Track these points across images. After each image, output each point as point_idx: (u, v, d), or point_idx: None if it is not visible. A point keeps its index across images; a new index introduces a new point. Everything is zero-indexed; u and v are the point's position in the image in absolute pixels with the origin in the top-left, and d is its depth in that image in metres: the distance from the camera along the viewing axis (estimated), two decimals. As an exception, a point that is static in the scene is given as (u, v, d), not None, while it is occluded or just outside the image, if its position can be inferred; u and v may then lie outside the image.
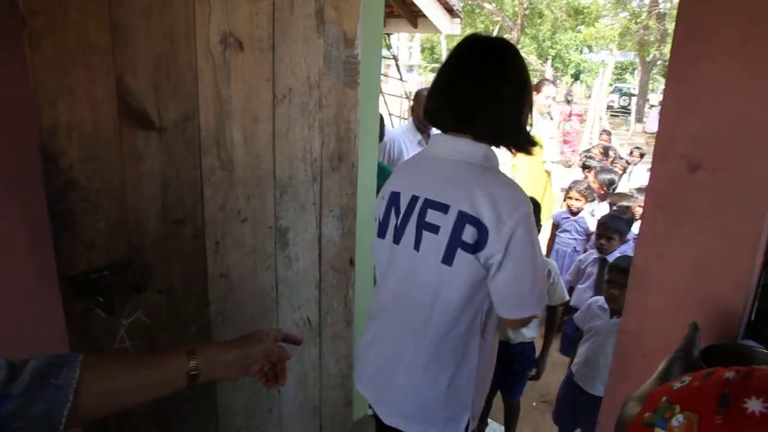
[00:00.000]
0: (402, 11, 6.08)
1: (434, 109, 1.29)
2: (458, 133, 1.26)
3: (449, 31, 6.35)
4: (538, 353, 2.55)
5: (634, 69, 28.29)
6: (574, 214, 4.00)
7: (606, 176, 4.68)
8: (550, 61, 20.50)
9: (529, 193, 1.32)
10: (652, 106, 20.10)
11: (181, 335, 1.52)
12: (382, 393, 1.38)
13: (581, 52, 29.13)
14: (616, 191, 4.72)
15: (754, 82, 1.01)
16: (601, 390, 2.05)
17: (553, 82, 5.26)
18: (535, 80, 4.72)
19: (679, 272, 1.16)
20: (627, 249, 3.20)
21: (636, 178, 6.18)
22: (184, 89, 1.38)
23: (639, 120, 18.95)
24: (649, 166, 1.22)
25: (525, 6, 22.41)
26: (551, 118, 4.91)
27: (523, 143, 1.29)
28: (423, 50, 27.27)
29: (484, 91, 1.21)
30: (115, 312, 1.35)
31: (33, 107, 1.12)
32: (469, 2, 21.06)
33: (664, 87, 1.18)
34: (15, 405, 0.62)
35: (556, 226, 4.14)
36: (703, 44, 1.07)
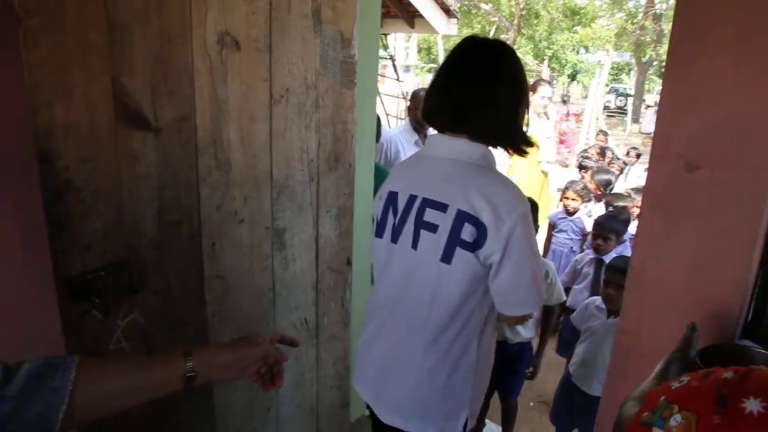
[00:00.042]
0: (399, 11, 6.08)
1: (431, 109, 1.31)
2: (455, 133, 1.27)
3: (446, 32, 6.35)
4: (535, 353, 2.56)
5: (630, 69, 28.35)
6: (571, 214, 4.01)
7: (603, 176, 4.69)
8: (546, 62, 20.49)
9: (526, 193, 1.33)
10: (649, 106, 20.13)
11: (177, 336, 1.51)
12: (381, 392, 1.39)
13: (578, 52, 29.22)
14: (613, 191, 4.73)
15: (752, 81, 1.01)
16: (599, 390, 2.05)
17: (550, 83, 5.27)
18: (531, 80, 4.73)
19: (677, 272, 1.16)
20: (623, 249, 3.21)
21: (632, 178, 6.20)
22: (181, 90, 1.38)
23: (635, 120, 19.00)
24: (646, 166, 1.22)
25: (521, 6, 22.44)
26: (548, 118, 4.91)
27: (519, 144, 1.29)
28: (420, 50, 27.30)
29: (480, 93, 1.23)
30: (112, 313, 1.34)
31: (28, 108, 1.11)
32: (466, 2, 21.09)
33: (661, 87, 1.18)
34: (10, 407, 0.62)
35: (552, 227, 4.15)
36: (700, 44, 1.07)
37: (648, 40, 20.54)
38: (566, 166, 8.03)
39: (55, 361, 0.68)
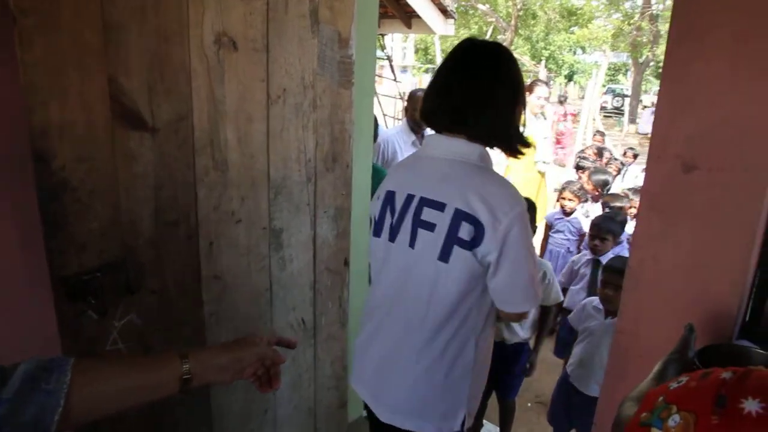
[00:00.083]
0: (396, 12, 6.08)
1: (430, 110, 1.32)
2: (452, 134, 1.28)
3: (443, 32, 6.35)
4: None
5: (627, 70, 28.45)
6: (568, 214, 4.01)
7: (600, 177, 4.70)
8: (543, 62, 20.53)
9: (524, 193, 1.34)
10: (645, 107, 20.20)
11: (174, 337, 1.51)
12: (379, 391, 1.39)
13: (574, 53, 29.28)
14: (610, 192, 4.73)
15: (749, 82, 1.02)
16: (596, 390, 2.05)
17: (546, 83, 5.28)
18: (528, 81, 4.73)
19: (674, 273, 1.16)
20: (620, 250, 3.21)
21: (630, 178, 6.21)
22: (178, 89, 1.38)
23: (632, 121, 19.06)
24: (643, 166, 1.22)
25: (519, 7, 22.48)
26: (545, 118, 4.92)
27: (515, 146, 1.31)
28: (417, 51, 27.32)
29: (480, 94, 1.24)
30: (108, 314, 1.34)
31: (24, 107, 1.10)
32: (463, 3, 21.10)
33: (658, 88, 1.18)
34: (5, 409, 0.61)
35: (549, 227, 4.15)
36: (698, 45, 1.07)
37: (645, 40, 20.61)
38: (563, 166, 8.05)
39: (50, 364, 0.68)
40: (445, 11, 5.97)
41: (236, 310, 1.66)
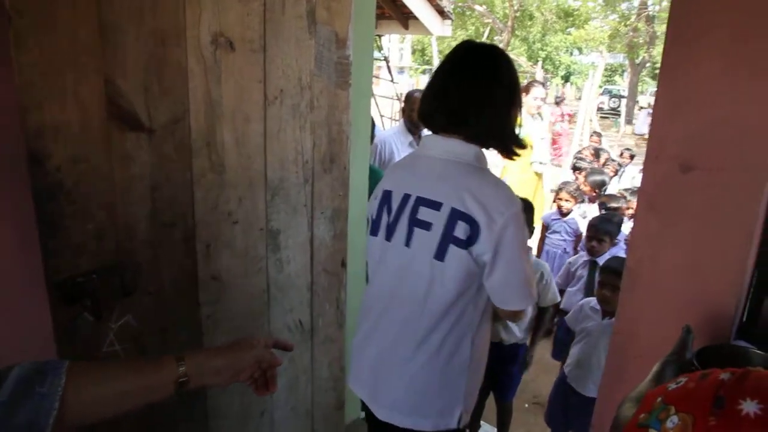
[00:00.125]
0: (393, 13, 6.09)
1: (428, 111, 1.34)
2: (449, 134, 1.30)
3: (440, 33, 6.37)
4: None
5: (623, 71, 28.51)
6: (564, 215, 4.01)
7: (596, 178, 4.70)
8: (540, 63, 20.58)
9: (521, 194, 1.35)
10: (642, 107, 20.26)
11: (171, 339, 1.50)
12: (377, 389, 1.40)
13: (571, 54, 29.33)
14: (606, 192, 4.74)
15: (746, 82, 1.02)
16: (594, 391, 2.05)
17: (543, 84, 5.29)
18: (525, 82, 4.74)
19: (672, 273, 1.16)
20: (616, 251, 3.21)
21: (627, 179, 6.23)
22: (175, 90, 1.37)
23: (629, 122, 19.10)
24: (640, 167, 1.22)
25: (515, 8, 22.51)
26: (542, 119, 4.93)
27: (510, 147, 1.33)
28: (414, 52, 27.34)
29: (479, 95, 1.26)
30: (104, 316, 1.33)
31: (19, 108, 1.10)
32: (460, 4, 21.13)
33: (655, 88, 1.18)
34: (-1, 412, 0.61)
35: (546, 228, 4.15)
36: (695, 45, 1.07)
37: (641, 41, 20.67)
38: (559, 166, 8.06)
39: (44, 367, 0.67)
40: (442, 12, 5.99)
41: (233, 312, 1.66)
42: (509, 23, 22.45)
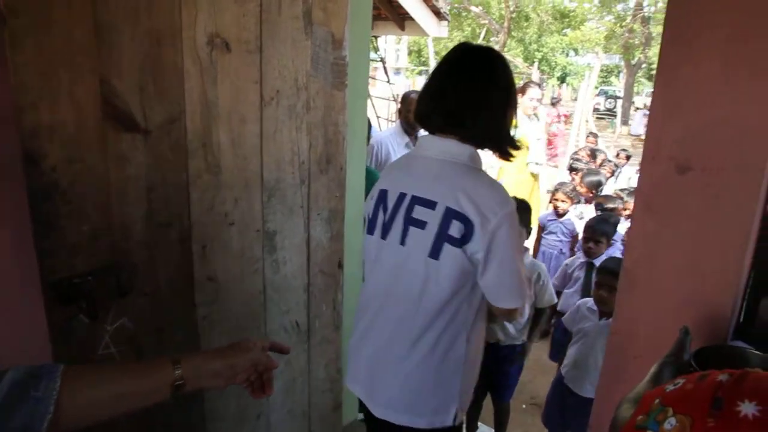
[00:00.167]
0: (389, 14, 6.08)
1: (424, 112, 1.35)
2: (445, 135, 1.31)
3: (436, 34, 6.37)
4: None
5: (619, 72, 28.58)
6: (560, 215, 4.01)
7: (593, 178, 4.71)
8: (536, 64, 20.60)
9: (517, 195, 1.35)
10: (638, 108, 20.31)
11: (167, 340, 1.49)
12: (373, 387, 1.41)
13: (567, 55, 29.39)
14: (603, 193, 4.75)
15: (743, 82, 1.02)
16: (591, 391, 2.06)
17: (539, 84, 5.29)
18: (521, 83, 4.74)
19: (669, 273, 1.16)
20: (612, 251, 3.21)
21: (623, 180, 6.24)
22: (171, 91, 1.37)
23: (625, 122, 19.16)
24: (637, 168, 1.23)
25: (512, 9, 22.55)
26: (538, 120, 4.93)
27: (505, 148, 1.35)
28: (410, 53, 27.32)
29: (475, 96, 1.28)
30: (100, 317, 1.32)
31: (14, 108, 1.09)
32: (456, 5, 21.16)
33: (650, 89, 1.18)
34: (-7, 416, 0.60)
35: (542, 228, 4.15)
36: (691, 46, 1.07)
37: (637, 42, 20.74)
38: (555, 167, 8.08)
39: (39, 371, 0.67)
40: (438, 13, 5.98)
41: (230, 313, 1.65)
42: (505, 24, 22.49)
